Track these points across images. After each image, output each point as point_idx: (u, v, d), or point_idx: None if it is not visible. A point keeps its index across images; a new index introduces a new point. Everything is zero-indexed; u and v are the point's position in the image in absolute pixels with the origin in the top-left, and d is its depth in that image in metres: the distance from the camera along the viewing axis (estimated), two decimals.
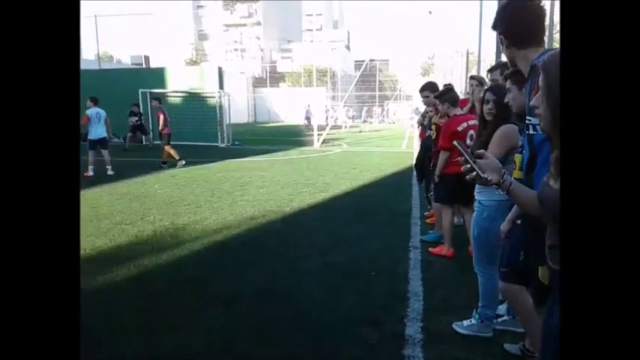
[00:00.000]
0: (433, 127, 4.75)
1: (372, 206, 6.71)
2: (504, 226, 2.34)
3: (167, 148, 10.58)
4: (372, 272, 4.02)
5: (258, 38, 61.35)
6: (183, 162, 10.69)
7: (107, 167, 9.40)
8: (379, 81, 48.28)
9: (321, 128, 18.33)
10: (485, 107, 2.77)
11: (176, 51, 56.52)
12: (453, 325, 2.95)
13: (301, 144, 17.22)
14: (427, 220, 5.72)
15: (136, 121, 15.65)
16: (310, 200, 7.03)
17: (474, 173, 1.41)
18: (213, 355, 2.69)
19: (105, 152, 9.56)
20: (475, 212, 2.89)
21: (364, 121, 30.35)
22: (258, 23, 61.38)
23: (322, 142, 16.61)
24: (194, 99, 17.25)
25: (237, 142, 17.05)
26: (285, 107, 40.49)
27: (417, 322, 3.08)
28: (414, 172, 7.45)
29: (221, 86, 17.26)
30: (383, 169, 10.62)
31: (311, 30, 59.38)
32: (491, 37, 12.48)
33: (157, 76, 18.08)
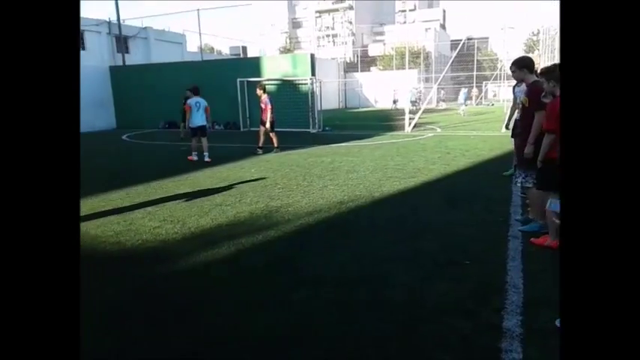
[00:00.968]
0: (519, 106, 4.39)
1: (467, 192, 6.40)
2: None
3: (272, 135, 11.01)
4: (466, 261, 3.84)
5: (350, 23, 61.09)
6: (279, 150, 11.02)
7: (205, 154, 9.90)
8: (477, 60, 45.59)
9: (413, 112, 17.81)
10: None
11: (271, 40, 58.39)
12: (557, 322, 2.72)
13: (391, 128, 16.93)
14: (528, 209, 5.32)
15: None
16: (400, 186, 6.90)
17: None
18: (300, 334, 2.77)
19: (204, 139, 9.96)
20: None
21: (465, 104, 25.73)
22: (350, 7, 61.04)
23: (414, 127, 16.18)
24: (287, 86, 17.75)
25: (327, 128, 17.27)
26: (376, 92, 40.02)
27: (516, 315, 2.88)
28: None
29: (313, 73, 17.52)
30: (480, 153, 10.06)
31: (404, 11, 57.67)
32: None
33: (254, 65, 18.86)
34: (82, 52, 20.85)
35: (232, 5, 49.17)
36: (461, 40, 26.99)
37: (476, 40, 48.54)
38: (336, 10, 61.72)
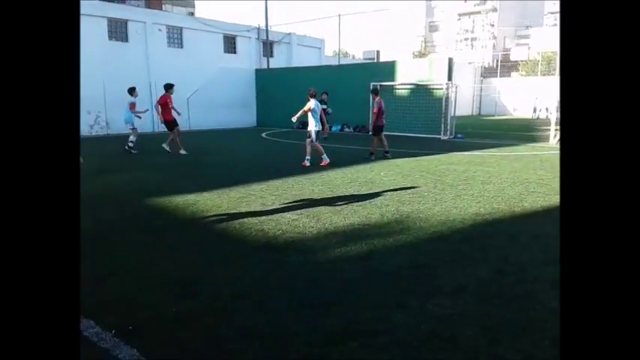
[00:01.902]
0: None
1: None
2: None
3: (375, 139, 10.85)
4: None
5: (492, 25, 57.71)
6: (373, 156, 10.73)
7: (322, 156, 9.73)
8: None
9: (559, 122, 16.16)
10: None
11: (404, 44, 57.91)
12: None
13: (532, 139, 15.60)
14: None
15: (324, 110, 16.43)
16: (544, 202, 6.34)
17: None
18: (439, 341, 2.74)
19: (316, 143, 9.71)
20: None
21: None
22: (494, 9, 57.67)
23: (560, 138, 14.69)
24: (420, 91, 17.47)
25: (459, 135, 16.58)
26: (515, 99, 37.20)
27: None
28: None
29: (449, 77, 16.97)
30: None
31: (554, 13, 52.57)
32: None
33: (387, 70, 18.93)
34: (232, 56, 23.06)
35: (373, 11, 50.03)
36: None
37: None
38: (478, 12, 58.81)
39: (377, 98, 11.00)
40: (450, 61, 17.44)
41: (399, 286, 3.54)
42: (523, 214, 5.75)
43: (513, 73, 48.43)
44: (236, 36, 23.22)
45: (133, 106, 11.59)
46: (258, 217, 5.47)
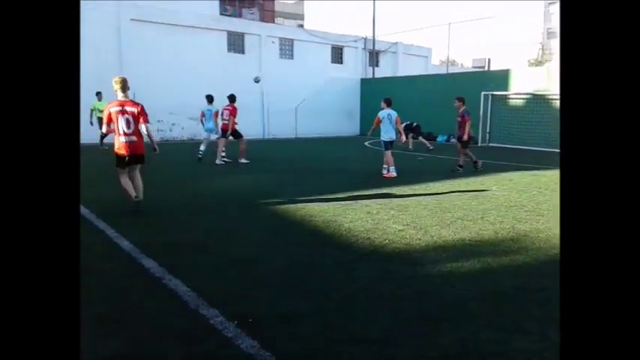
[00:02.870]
0: None
1: None
2: None
3: (462, 151, 10.18)
4: None
5: None
6: (460, 170, 10.13)
7: (389, 167, 9.31)
8: None
9: None
10: None
11: (518, 52, 54.42)
12: None
13: None
14: None
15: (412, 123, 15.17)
16: None
17: None
18: None
19: (387, 152, 9.44)
20: None
21: None
22: None
23: None
24: (537, 101, 16.26)
25: None
26: None
27: None
28: None
29: None
30: None
31: None
32: None
33: (500, 78, 17.94)
34: (339, 66, 23.61)
35: (486, 17, 47.91)
36: None
37: None
38: None
39: (462, 107, 10.10)
40: None
41: (516, 309, 3.30)
42: None
43: None
44: (343, 46, 23.73)
45: (217, 114, 11.40)
46: (364, 225, 5.49)
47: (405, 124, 11.55)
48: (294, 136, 21.34)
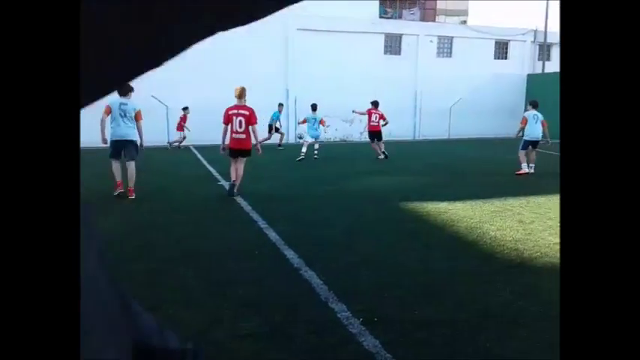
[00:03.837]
0: None
1: None
2: None
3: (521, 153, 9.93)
4: None
5: None
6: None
7: (521, 165, 9.63)
8: None
9: None
10: None
11: None
12: None
13: None
14: None
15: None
16: None
17: None
18: None
19: (522, 152, 9.75)
20: None
21: None
22: None
23: None
24: None
25: None
26: None
27: None
28: None
29: None
30: None
31: None
32: None
33: None
34: (502, 62, 21.85)
35: None
36: None
37: None
38: None
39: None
40: None
41: None
42: None
43: None
44: (509, 41, 21.93)
45: (323, 122, 12.25)
46: (513, 235, 5.02)
47: None
48: (446, 137, 20.55)
